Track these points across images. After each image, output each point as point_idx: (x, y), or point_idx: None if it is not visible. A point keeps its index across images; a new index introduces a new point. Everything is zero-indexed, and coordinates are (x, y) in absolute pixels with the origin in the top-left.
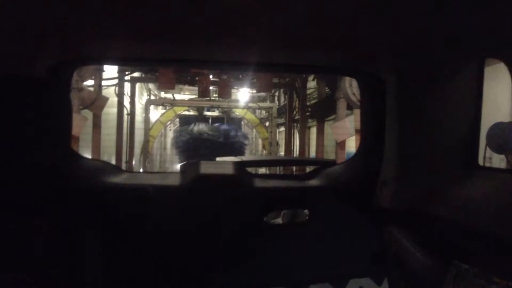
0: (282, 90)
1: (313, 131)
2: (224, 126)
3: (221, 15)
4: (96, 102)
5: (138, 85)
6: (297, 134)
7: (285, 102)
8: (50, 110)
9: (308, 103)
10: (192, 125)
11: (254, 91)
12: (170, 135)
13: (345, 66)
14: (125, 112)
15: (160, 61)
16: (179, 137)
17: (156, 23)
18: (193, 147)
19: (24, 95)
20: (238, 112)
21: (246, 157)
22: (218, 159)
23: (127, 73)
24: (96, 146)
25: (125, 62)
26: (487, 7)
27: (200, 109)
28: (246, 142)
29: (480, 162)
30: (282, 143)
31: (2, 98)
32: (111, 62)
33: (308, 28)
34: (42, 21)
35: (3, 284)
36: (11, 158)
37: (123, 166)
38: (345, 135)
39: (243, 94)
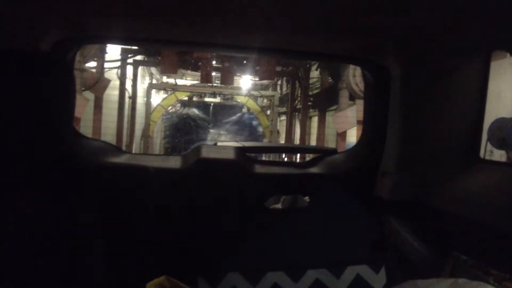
0: (284, 79)
1: (314, 120)
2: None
3: None
4: (98, 83)
5: (140, 68)
6: (298, 124)
7: (287, 91)
8: (54, 86)
9: (310, 93)
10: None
11: (257, 79)
12: None
13: (350, 54)
14: (126, 95)
15: (162, 42)
16: None
17: (159, 3)
18: None
19: (29, 70)
20: (240, 99)
21: (248, 142)
22: (219, 143)
23: (129, 56)
24: (97, 128)
25: (128, 42)
26: None
27: (201, 95)
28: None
29: (482, 155)
30: (282, 132)
31: (6, 73)
32: (115, 41)
33: (314, 14)
34: None
35: (3, 253)
36: (13, 133)
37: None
38: (346, 125)
39: (245, 82)
